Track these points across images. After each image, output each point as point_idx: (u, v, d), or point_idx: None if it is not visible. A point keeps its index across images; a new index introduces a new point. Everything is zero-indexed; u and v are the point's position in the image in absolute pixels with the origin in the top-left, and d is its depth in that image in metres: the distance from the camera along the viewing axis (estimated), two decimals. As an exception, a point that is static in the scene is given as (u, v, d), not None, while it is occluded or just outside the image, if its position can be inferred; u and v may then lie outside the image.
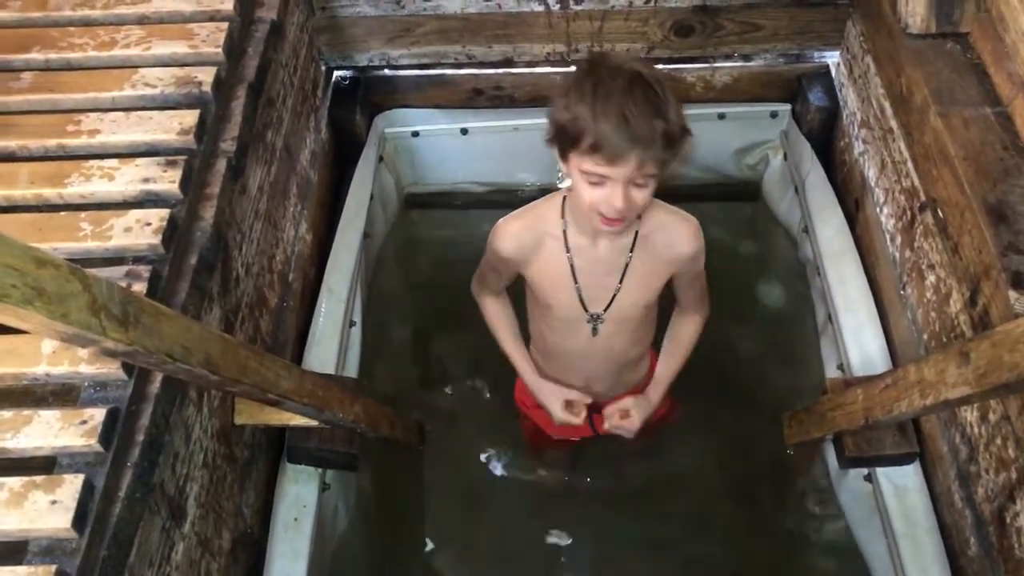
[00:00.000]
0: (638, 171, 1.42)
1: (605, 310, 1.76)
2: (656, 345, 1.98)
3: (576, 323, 1.80)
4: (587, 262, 1.70)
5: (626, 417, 1.92)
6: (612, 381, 1.99)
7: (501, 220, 1.73)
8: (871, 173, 2.31)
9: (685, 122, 1.47)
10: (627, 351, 1.90)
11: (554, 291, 1.75)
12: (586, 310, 1.76)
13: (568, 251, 1.68)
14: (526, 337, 2.00)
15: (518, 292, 1.91)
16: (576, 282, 1.72)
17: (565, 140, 1.46)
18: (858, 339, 2.16)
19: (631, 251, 1.68)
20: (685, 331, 1.92)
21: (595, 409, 1.98)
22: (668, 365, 1.95)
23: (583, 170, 1.46)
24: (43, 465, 1.29)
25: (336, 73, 2.67)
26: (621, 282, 1.72)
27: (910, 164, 2.02)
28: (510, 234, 1.71)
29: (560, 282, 1.73)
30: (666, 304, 1.88)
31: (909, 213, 2.05)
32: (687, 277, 1.79)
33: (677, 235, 1.69)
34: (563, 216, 1.68)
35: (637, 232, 1.66)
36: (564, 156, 1.50)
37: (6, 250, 0.78)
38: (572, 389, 1.96)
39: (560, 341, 1.89)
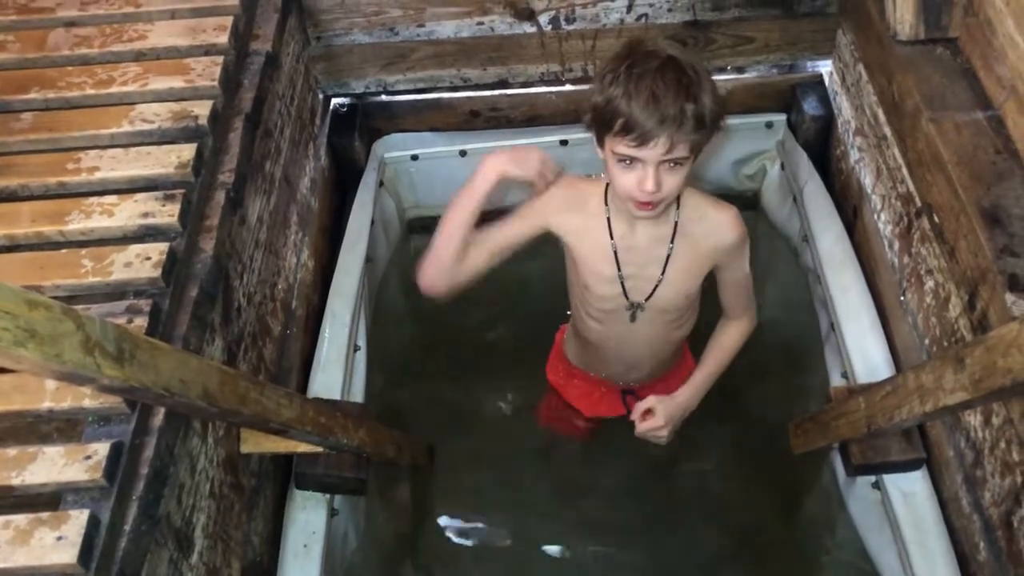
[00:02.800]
0: (669, 153, 1.46)
1: (647, 299, 1.79)
2: (696, 334, 2.00)
3: (616, 310, 1.83)
4: (629, 250, 1.73)
5: (649, 416, 1.91)
6: (650, 366, 2.02)
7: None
8: (867, 180, 2.32)
9: (721, 105, 1.51)
10: (667, 337, 1.93)
11: (597, 272, 1.77)
12: (627, 298, 1.79)
13: (612, 237, 1.72)
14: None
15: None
16: (619, 269, 1.75)
17: (600, 123, 1.51)
18: (861, 347, 2.16)
19: (671, 241, 1.71)
20: (728, 337, 1.94)
21: (630, 392, 2.01)
22: (705, 370, 1.95)
23: (616, 152, 1.50)
24: (48, 501, 1.30)
25: (333, 100, 2.70)
26: (663, 272, 1.74)
27: (905, 170, 2.03)
28: (568, 181, 1.74)
29: (603, 267, 1.76)
30: (709, 289, 1.88)
31: (906, 219, 2.05)
32: (730, 275, 1.81)
33: (716, 224, 1.72)
34: (606, 203, 1.72)
35: (676, 222, 1.69)
36: (600, 141, 1.55)
37: (-2, 294, 0.80)
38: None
39: (598, 327, 1.91)
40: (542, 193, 1.73)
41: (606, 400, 2.16)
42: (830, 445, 2.09)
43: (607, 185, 1.70)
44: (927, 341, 1.96)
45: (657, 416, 1.90)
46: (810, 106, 2.60)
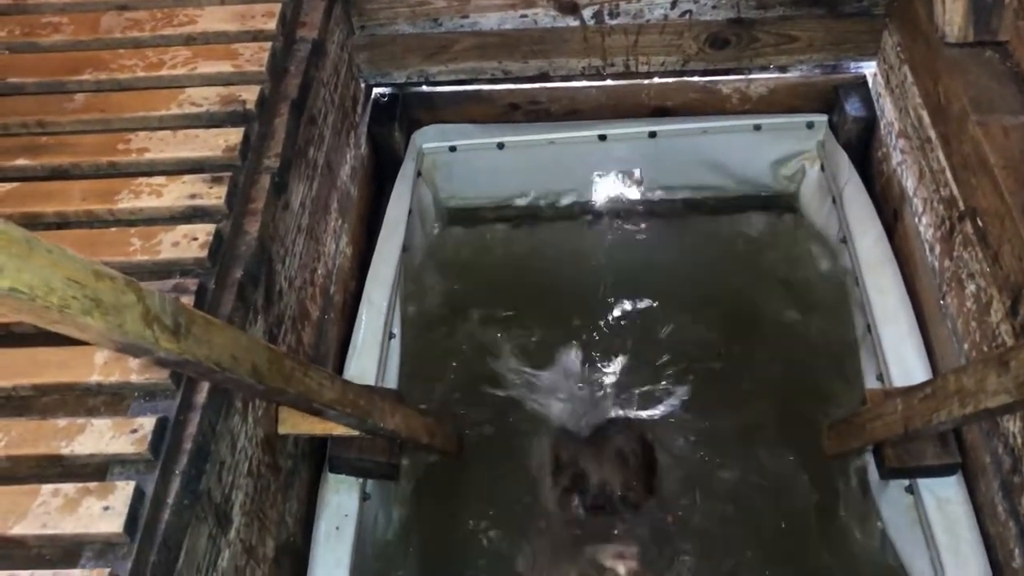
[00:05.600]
0: None
1: None
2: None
3: None
4: None
5: None
6: None
7: None
8: (909, 183, 2.30)
9: None
10: None
11: None
12: None
13: None
14: None
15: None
16: None
17: None
18: (897, 350, 2.15)
19: None
20: None
21: None
22: None
23: None
24: (95, 472, 1.33)
25: (375, 90, 2.72)
26: None
27: (948, 173, 2.01)
28: None
29: None
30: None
31: (948, 222, 2.04)
32: None
33: None
34: None
35: None
36: None
37: (68, 264, 0.82)
38: None
39: None
40: None
41: None
42: (864, 448, 2.08)
43: None
44: (966, 346, 1.94)
45: None
46: (852, 107, 2.58)
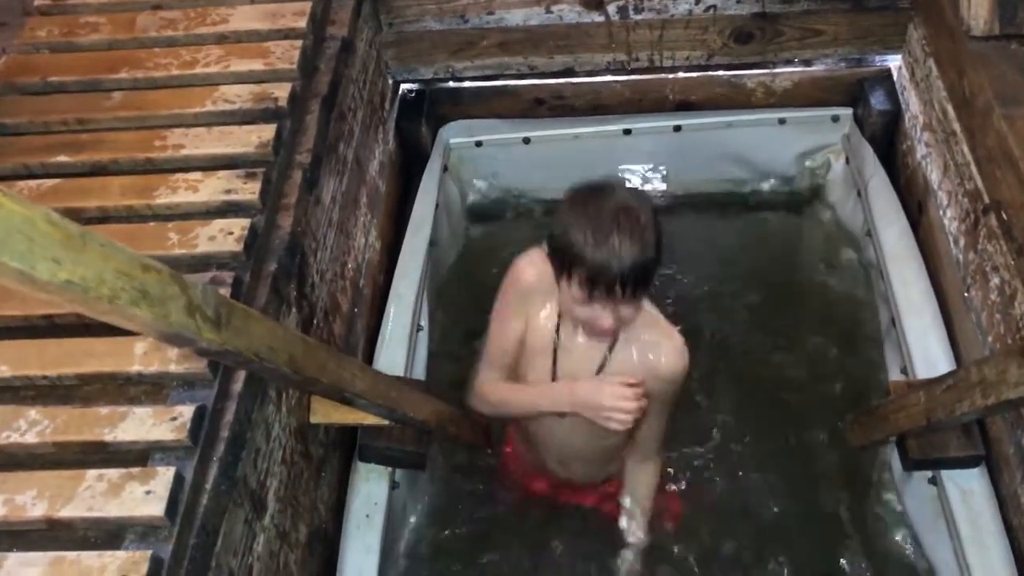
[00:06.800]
0: (630, 297, 1.49)
1: None
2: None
3: None
4: (567, 350, 1.73)
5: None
6: (583, 469, 2.03)
7: (523, 254, 1.76)
8: (934, 176, 2.31)
9: (661, 238, 1.51)
10: (595, 443, 1.89)
11: (533, 364, 1.78)
12: None
13: (557, 333, 1.73)
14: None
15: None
16: (554, 364, 1.75)
17: (559, 265, 1.53)
18: (922, 342, 2.16)
19: (609, 351, 1.70)
20: (643, 482, 1.95)
21: (570, 492, 2.07)
22: (637, 517, 1.97)
23: (574, 295, 1.51)
24: (137, 458, 1.38)
25: (403, 86, 2.76)
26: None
27: (973, 167, 2.02)
28: (537, 262, 1.71)
29: (540, 360, 1.76)
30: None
31: (973, 216, 2.05)
32: (655, 404, 1.72)
33: (659, 347, 1.69)
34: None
35: (617, 334, 1.67)
36: (558, 275, 1.55)
37: (117, 256, 0.86)
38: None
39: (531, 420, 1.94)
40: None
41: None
42: (887, 439, 2.10)
43: None
44: (990, 338, 1.95)
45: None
46: (877, 100, 2.59)
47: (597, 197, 1.49)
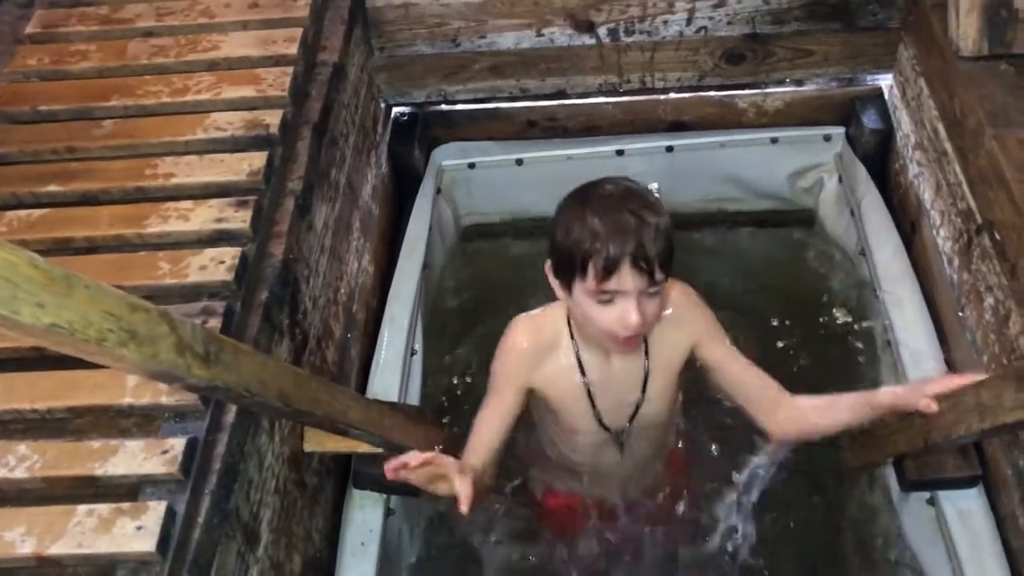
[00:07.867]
0: (650, 280, 1.42)
1: (631, 422, 1.73)
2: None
3: (600, 443, 1.78)
4: (604, 381, 1.67)
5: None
6: (642, 481, 1.99)
7: (514, 319, 1.72)
8: (927, 195, 2.31)
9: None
10: (658, 451, 1.87)
11: (572, 413, 1.72)
12: (608, 430, 1.74)
13: (584, 375, 1.67)
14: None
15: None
16: (595, 406, 1.70)
17: (568, 270, 1.46)
18: (917, 362, 2.15)
19: (647, 358, 1.66)
20: (817, 402, 1.74)
21: (628, 511, 1.99)
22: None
23: (592, 291, 1.44)
24: (128, 492, 1.37)
25: (395, 110, 2.76)
26: (643, 392, 1.69)
27: (965, 186, 2.02)
28: (530, 327, 1.68)
29: (577, 406, 1.70)
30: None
31: (966, 235, 2.05)
32: (714, 353, 1.68)
33: (678, 318, 1.66)
34: (572, 337, 1.66)
35: (646, 338, 1.63)
36: (568, 286, 1.49)
37: (104, 298, 0.86)
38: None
39: (586, 461, 1.87)
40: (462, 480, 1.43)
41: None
42: (884, 461, 2.09)
43: (567, 316, 1.64)
44: (985, 358, 1.95)
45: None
46: (869, 119, 2.59)
47: (592, 189, 1.47)
